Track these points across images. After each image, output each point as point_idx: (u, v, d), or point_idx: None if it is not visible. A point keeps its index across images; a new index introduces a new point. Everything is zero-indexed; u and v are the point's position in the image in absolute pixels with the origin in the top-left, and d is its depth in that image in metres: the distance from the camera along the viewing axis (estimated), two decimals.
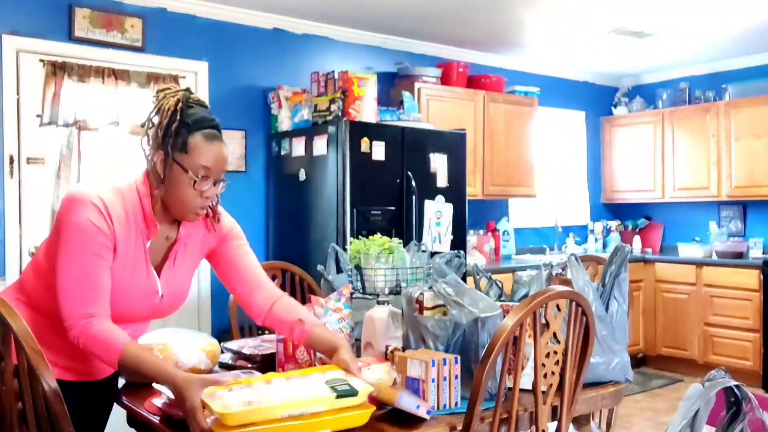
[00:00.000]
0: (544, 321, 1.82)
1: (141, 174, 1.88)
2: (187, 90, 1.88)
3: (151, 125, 1.85)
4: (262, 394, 1.56)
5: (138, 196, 1.83)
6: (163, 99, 1.84)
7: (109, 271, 1.76)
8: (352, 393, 1.61)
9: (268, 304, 1.99)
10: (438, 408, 1.82)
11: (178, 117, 1.80)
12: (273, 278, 3.14)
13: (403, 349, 2.04)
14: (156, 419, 1.77)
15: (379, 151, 4.04)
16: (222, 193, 1.91)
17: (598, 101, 6.72)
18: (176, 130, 1.79)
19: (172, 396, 1.63)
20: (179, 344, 2.11)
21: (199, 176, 1.79)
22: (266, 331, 2.93)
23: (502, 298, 2.36)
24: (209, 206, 1.90)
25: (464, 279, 2.36)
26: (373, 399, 1.73)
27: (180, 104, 1.82)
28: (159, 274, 1.90)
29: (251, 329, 3.03)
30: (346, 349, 1.81)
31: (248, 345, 2.31)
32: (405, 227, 4.13)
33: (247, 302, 2.02)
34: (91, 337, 1.69)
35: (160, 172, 1.81)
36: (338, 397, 1.59)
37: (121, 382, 2.04)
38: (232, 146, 4.42)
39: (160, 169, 1.81)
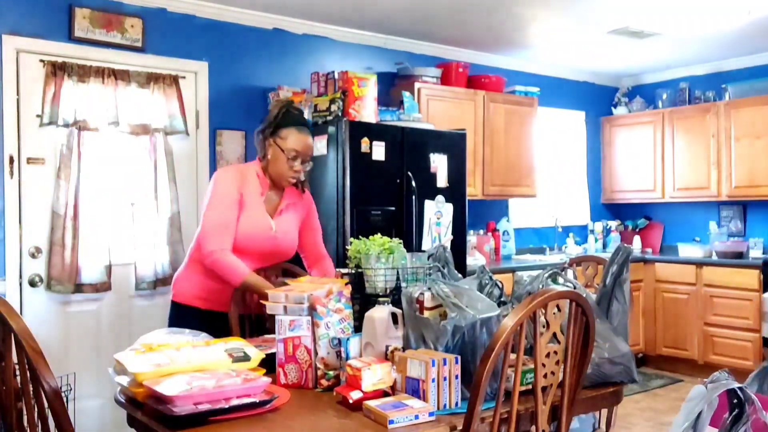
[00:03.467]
0: (544, 321, 1.82)
1: (257, 159, 2.86)
2: (291, 101, 2.92)
3: (263, 125, 2.80)
4: (170, 359, 1.89)
5: (254, 168, 2.80)
6: (272, 107, 2.86)
7: (236, 219, 2.66)
8: (246, 358, 1.99)
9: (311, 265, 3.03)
10: (438, 408, 1.82)
11: (280, 116, 2.75)
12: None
13: (403, 349, 2.04)
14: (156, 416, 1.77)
15: (379, 151, 4.03)
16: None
17: (598, 101, 6.73)
18: (277, 125, 2.74)
19: None
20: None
21: (291, 156, 2.72)
22: (267, 332, 2.93)
23: (502, 299, 2.35)
24: (298, 180, 2.83)
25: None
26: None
27: (282, 109, 2.77)
28: (273, 219, 2.79)
29: (251, 329, 3.03)
30: None
31: None
32: (405, 227, 4.13)
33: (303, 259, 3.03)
34: (225, 262, 2.60)
35: (267, 153, 2.76)
36: (234, 361, 1.96)
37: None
38: (232, 146, 4.43)
39: (267, 150, 2.76)
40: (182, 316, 2.74)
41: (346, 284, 2.25)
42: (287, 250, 2.89)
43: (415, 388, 1.85)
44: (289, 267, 3.29)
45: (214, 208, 2.66)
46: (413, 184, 4.16)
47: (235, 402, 1.75)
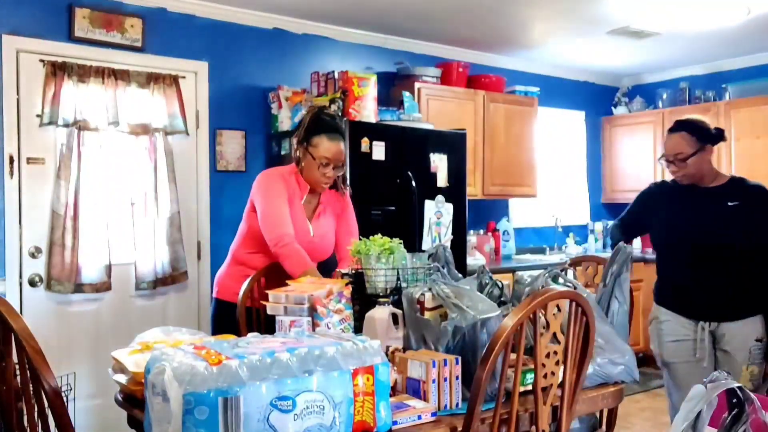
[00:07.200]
0: (544, 321, 1.82)
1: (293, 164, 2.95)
2: (323, 106, 3.12)
3: (297, 132, 2.91)
4: None
5: (293, 173, 2.87)
6: (305, 114, 2.94)
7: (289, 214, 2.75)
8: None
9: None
10: (439, 409, 1.82)
11: (311, 124, 2.83)
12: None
13: (404, 349, 2.04)
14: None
15: (379, 151, 4.03)
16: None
17: (598, 101, 6.72)
18: (308, 132, 2.82)
19: None
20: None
21: (322, 163, 2.79)
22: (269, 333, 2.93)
23: (502, 299, 2.36)
24: (334, 182, 2.92)
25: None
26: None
27: (313, 116, 2.85)
28: (311, 223, 2.89)
29: (257, 329, 3.02)
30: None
31: None
32: (405, 227, 4.13)
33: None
34: (295, 249, 2.66)
35: (301, 159, 2.85)
36: None
37: None
38: (232, 146, 4.42)
39: (301, 157, 2.84)
40: (226, 313, 2.88)
41: (347, 285, 2.25)
42: (324, 253, 2.95)
43: (415, 389, 1.85)
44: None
45: (272, 202, 2.75)
46: (413, 184, 4.16)
47: None
